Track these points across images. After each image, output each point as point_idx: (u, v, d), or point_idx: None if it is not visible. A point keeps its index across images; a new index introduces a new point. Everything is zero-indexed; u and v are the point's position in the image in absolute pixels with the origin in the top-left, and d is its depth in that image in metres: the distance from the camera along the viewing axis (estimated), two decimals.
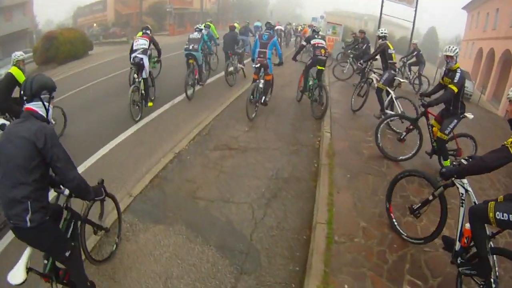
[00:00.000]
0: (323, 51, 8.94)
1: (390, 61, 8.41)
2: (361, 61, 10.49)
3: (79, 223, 3.39)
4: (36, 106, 2.75)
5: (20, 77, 6.46)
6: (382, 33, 8.74)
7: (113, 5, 45.04)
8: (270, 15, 52.45)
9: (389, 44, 8.49)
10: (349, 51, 15.47)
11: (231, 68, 11.74)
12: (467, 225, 3.42)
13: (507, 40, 21.63)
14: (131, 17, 43.98)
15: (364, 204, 5.11)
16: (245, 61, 14.14)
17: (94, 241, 4.20)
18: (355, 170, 6.04)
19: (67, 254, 2.90)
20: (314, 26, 11.87)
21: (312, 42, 9.26)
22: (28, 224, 2.58)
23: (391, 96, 8.23)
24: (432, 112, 6.33)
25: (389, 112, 8.29)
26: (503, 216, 3.05)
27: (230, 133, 7.65)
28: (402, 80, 9.14)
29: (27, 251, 2.83)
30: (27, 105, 2.73)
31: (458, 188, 3.66)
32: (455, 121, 5.95)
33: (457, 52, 5.66)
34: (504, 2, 23.50)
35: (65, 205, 3.23)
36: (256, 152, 6.83)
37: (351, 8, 65.69)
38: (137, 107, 8.40)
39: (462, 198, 3.61)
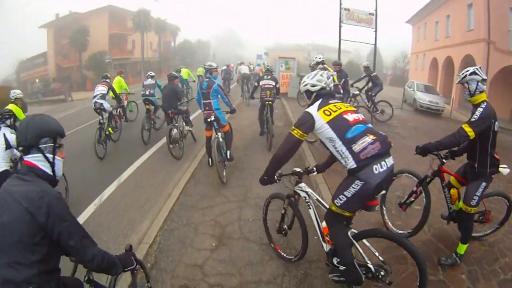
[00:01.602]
0: (268, 92, 8.92)
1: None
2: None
3: None
4: (35, 160, 2.02)
5: (20, 114, 6.40)
6: (319, 58, 8.56)
7: (53, 58, 42.28)
8: (213, 58, 51.25)
9: (329, 68, 8.22)
10: None
11: (174, 132, 8.32)
12: (324, 224, 3.34)
13: (466, 45, 20.49)
14: (72, 70, 41.04)
15: None
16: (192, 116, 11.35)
17: None
18: None
19: None
20: (269, 66, 11.54)
21: (261, 83, 9.21)
22: None
23: None
24: (448, 171, 4.26)
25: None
26: (341, 199, 2.96)
27: (189, 257, 4.45)
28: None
29: None
30: (25, 158, 2.00)
31: (300, 193, 3.73)
32: (484, 184, 3.86)
33: (472, 78, 3.64)
34: (454, 8, 22.42)
35: (86, 278, 2.42)
36: None
37: (290, 40, 65.72)
38: (102, 145, 8.61)
39: (307, 201, 3.65)
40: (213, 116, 6.86)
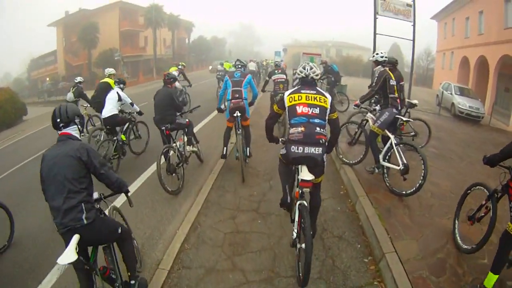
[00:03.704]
0: (281, 86, 9.36)
1: (392, 96, 5.82)
2: (357, 101, 6.43)
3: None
4: (72, 130, 3.06)
5: (112, 85, 8.17)
6: (381, 56, 5.90)
7: (63, 56, 40.72)
8: (229, 55, 48.94)
9: (390, 73, 5.90)
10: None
11: (171, 155, 6.02)
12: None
13: (503, 45, 17.76)
14: (82, 68, 39.29)
15: None
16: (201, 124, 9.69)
17: None
18: None
19: (119, 230, 3.19)
20: (276, 61, 12.23)
21: (273, 78, 9.57)
22: (85, 221, 2.82)
23: (391, 142, 5.63)
24: None
25: (386, 164, 5.66)
26: (281, 152, 3.99)
27: None
28: (405, 119, 6.02)
29: (75, 237, 2.74)
30: (64, 131, 3.01)
31: None
32: None
33: None
34: (489, 3, 19.73)
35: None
36: None
37: (309, 37, 62.85)
38: None
39: None
40: (239, 112, 6.34)
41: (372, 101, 7.13)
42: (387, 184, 5.51)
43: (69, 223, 2.75)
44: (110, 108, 7.15)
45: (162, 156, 5.67)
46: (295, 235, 3.60)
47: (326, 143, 3.72)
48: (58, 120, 2.97)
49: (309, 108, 3.63)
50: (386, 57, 5.95)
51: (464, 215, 4.15)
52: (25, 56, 44.59)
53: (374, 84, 6.01)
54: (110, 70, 9.04)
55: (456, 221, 4.29)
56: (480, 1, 21.03)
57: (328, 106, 3.71)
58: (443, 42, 28.04)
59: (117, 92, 7.34)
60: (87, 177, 2.95)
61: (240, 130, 6.41)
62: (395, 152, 5.46)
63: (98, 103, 8.27)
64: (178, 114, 6.55)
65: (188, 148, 6.74)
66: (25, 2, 43.16)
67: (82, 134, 7.66)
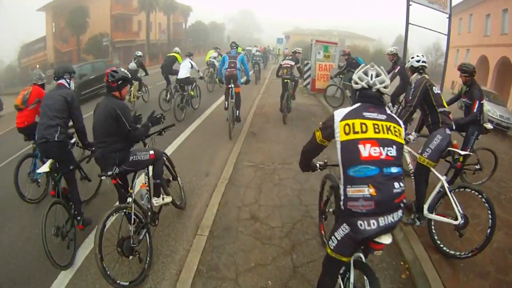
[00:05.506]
0: (285, 71, 9.30)
1: (442, 110, 4.18)
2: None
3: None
4: (63, 81, 4.36)
5: (179, 59, 11.24)
6: (417, 61, 4.50)
7: (51, 42, 38.30)
8: (227, 41, 47.21)
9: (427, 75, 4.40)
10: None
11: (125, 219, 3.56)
12: None
13: None
14: (71, 55, 37.01)
15: None
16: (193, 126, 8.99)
17: None
18: None
19: (71, 167, 4.22)
20: (286, 49, 15.64)
21: (282, 62, 9.94)
22: (56, 138, 3.95)
23: (442, 184, 3.85)
24: None
25: (434, 217, 3.88)
26: (333, 241, 2.37)
27: None
28: (463, 153, 4.15)
29: (50, 160, 4.02)
30: (58, 81, 4.35)
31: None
32: None
33: None
34: None
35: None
36: None
37: (311, 25, 60.76)
38: (210, 84, 14.94)
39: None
40: (232, 80, 7.91)
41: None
42: (436, 243, 3.85)
43: (46, 136, 3.95)
44: (185, 72, 9.81)
45: (107, 226, 3.24)
46: None
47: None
48: (54, 76, 4.41)
49: (381, 149, 2.15)
50: (424, 61, 4.53)
51: None
52: (17, 43, 42.24)
53: (411, 98, 4.29)
54: (177, 49, 12.27)
55: None
56: None
57: (403, 141, 2.30)
58: (457, 38, 26.09)
59: (190, 62, 10.01)
60: (67, 111, 4.14)
61: (232, 101, 7.85)
62: (449, 200, 3.75)
63: (167, 71, 11.29)
64: (133, 144, 3.92)
65: (156, 201, 4.04)
66: None
67: (140, 92, 11.74)
